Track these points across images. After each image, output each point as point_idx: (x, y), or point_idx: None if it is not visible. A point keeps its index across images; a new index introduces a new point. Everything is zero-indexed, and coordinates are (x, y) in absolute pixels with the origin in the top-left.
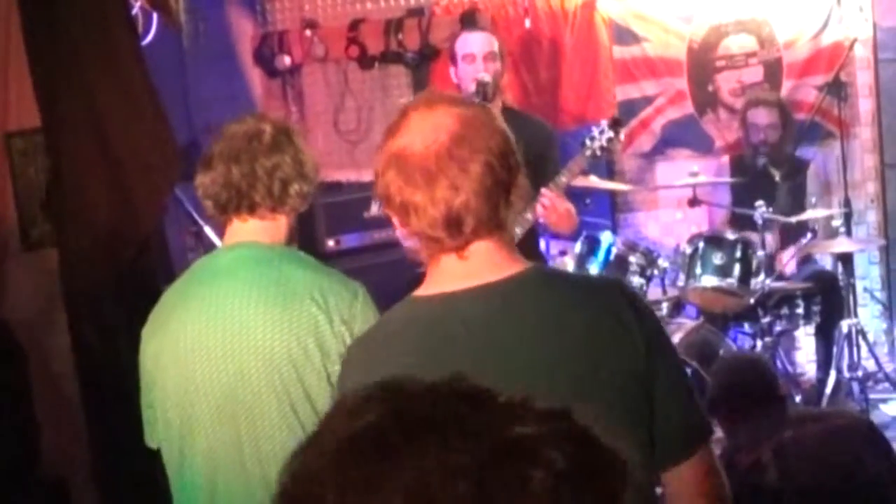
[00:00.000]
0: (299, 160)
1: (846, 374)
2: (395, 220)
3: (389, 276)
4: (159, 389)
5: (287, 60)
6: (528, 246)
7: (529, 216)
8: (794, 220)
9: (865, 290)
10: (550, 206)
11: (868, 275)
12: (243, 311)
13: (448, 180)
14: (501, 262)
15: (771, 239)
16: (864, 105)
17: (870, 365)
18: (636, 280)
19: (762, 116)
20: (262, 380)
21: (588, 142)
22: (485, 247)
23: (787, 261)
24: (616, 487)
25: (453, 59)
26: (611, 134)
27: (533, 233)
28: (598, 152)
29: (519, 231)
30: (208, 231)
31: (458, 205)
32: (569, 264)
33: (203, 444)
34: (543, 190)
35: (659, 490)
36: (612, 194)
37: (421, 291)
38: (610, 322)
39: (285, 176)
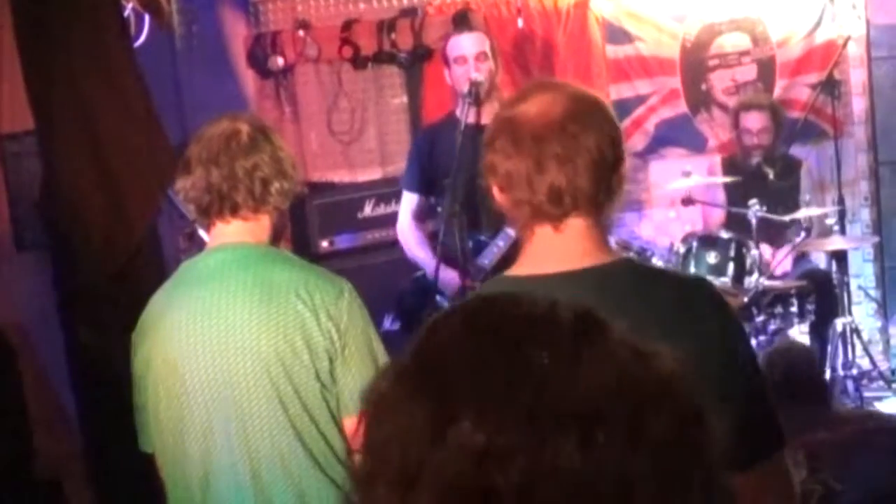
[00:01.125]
0: (278, 158)
1: (841, 373)
2: (495, 189)
3: (383, 277)
4: (151, 393)
5: (280, 61)
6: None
7: None
8: (787, 218)
9: (859, 288)
10: None
11: (862, 273)
12: (230, 312)
13: (557, 150)
14: (595, 247)
15: (765, 237)
16: (858, 103)
17: (864, 363)
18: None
19: (754, 121)
20: (250, 379)
21: None
22: (582, 225)
23: (781, 259)
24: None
25: (446, 62)
26: None
27: None
28: None
29: (513, 233)
30: (201, 232)
31: (563, 175)
32: None
33: (195, 445)
34: None
35: None
36: None
37: (514, 270)
38: (692, 320)
39: (265, 175)
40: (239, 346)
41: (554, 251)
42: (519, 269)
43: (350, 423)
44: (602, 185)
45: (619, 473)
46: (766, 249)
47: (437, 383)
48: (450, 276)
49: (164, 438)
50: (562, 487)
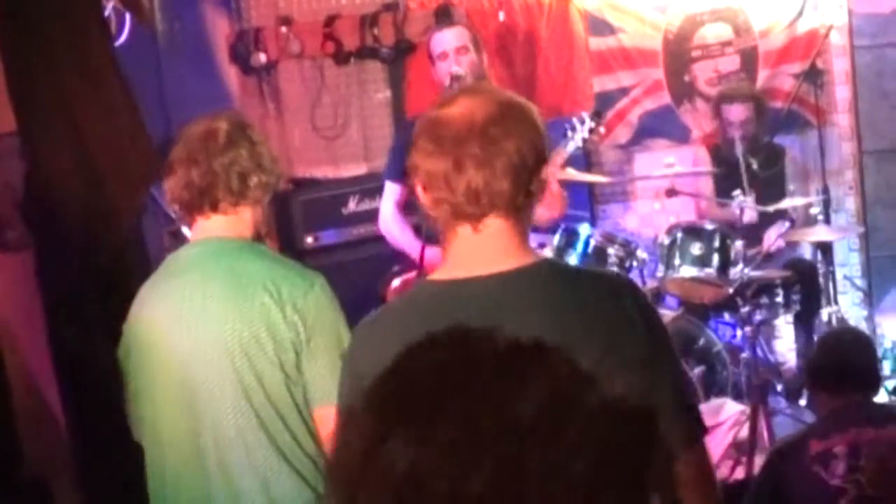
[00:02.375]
0: (256, 153)
1: None
2: (418, 189)
3: (368, 272)
4: (132, 383)
5: (263, 57)
6: None
7: None
8: (772, 208)
9: (845, 277)
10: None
11: (847, 262)
12: (200, 303)
13: (476, 151)
14: (516, 249)
15: (749, 228)
16: (841, 92)
17: None
18: (615, 271)
19: (736, 112)
20: (215, 369)
21: (570, 133)
22: (501, 226)
23: (775, 240)
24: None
25: (431, 58)
26: (592, 124)
27: None
28: (580, 143)
29: None
30: (185, 230)
31: (481, 176)
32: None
33: (167, 434)
34: None
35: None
36: (590, 186)
37: (437, 274)
38: (617, 315)
39: (243, 169)
40: (207, 337)
41: (475, 253)
42: (442, 273)
43: (318, 414)
44: (521, 187)
45: (544, 497)
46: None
47: (382, 403)
48: (437, 254)
49: (144, 426)
50: None
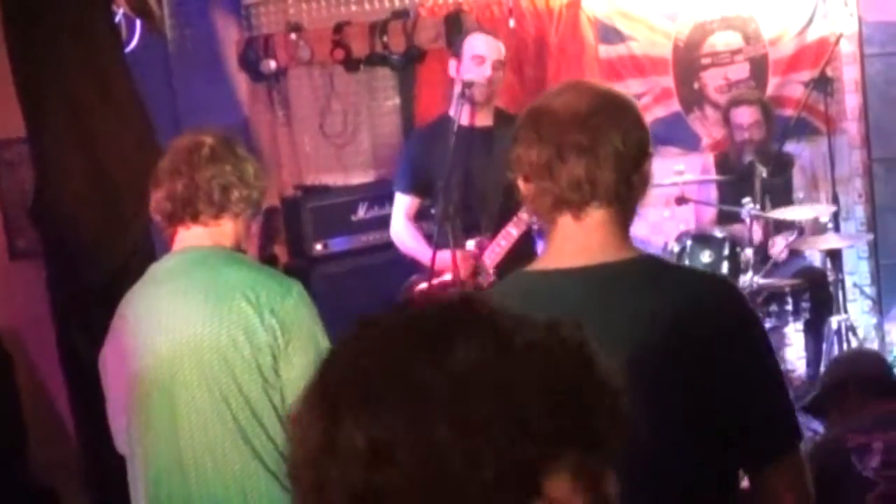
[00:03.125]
0: (240, 168)
1: None
2: (520, 181)
3: (377, 279)
4: (114, 394)
5: (272, 64)
6: (524, 247)
7: (525, 216)
8: (781, 216)
9: (854, 285)
10: None
11: (857, 270)
12: (179, 309)
13: (579, 140)
14: (615, 242)
15: (759, 236)
16: (851, 100)
17: None
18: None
19: (745, 116)
20: (194, 374)
21: None
22: (602, 216)
23: (783, 248)
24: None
25: (458, 54)
26: None
27: (528, 234)
28: None
29: (515, 231)
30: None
31: (584, 165)
32: None
33: (148, 439)
34: None
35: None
36: None
37: (534, 265)
38: (708, 318)
39: (226, 182)
40: (185, 343)
41: (574, 244)
42: (537, 264)
43: None
44: (623, 178)
45: (496, 447)
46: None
47: (326, 395)
48: (447, 258)
49: (131, 433)
50: (444, 478)
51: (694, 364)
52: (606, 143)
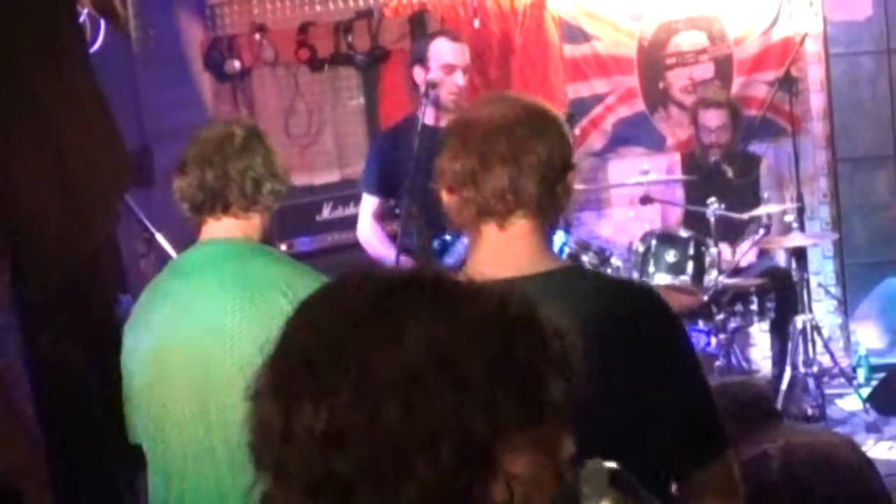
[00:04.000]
0: (270, 160)
1: (801, 370)
2: (444, 193)
3: None
4: (136, 384)
5: (237, 65)
6: None
7: None
8: (746, 216)
9: (819, 285)
10: None
11: (822, 270)
12: (212, 304)
13: (503, 149)
14: (540, 252)
15: (724, 236)
16: (816, 100)
17: (825, 360)
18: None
19: (712, 118)
20: (230, 371)
21: None
22: (526, 226)
23: (746, 251)
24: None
25: (422, 60)
26: None
27: None
28: None
29: None
30: (159, 238)
31: (508, 174)
32: None
33: (176, 436)
34: None
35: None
36: None
37: (458, 277)
38: (634, 326)
39: (257, 175)
40: (218, 338)
41: (500, 254)
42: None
43: None
44: (547, 188)
45: (451, 424)
46: (725, 249)
47: (281, 382)
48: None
49: (147, 428)
50: (400, 462)
51: (618, 371)
52: (530, 153)
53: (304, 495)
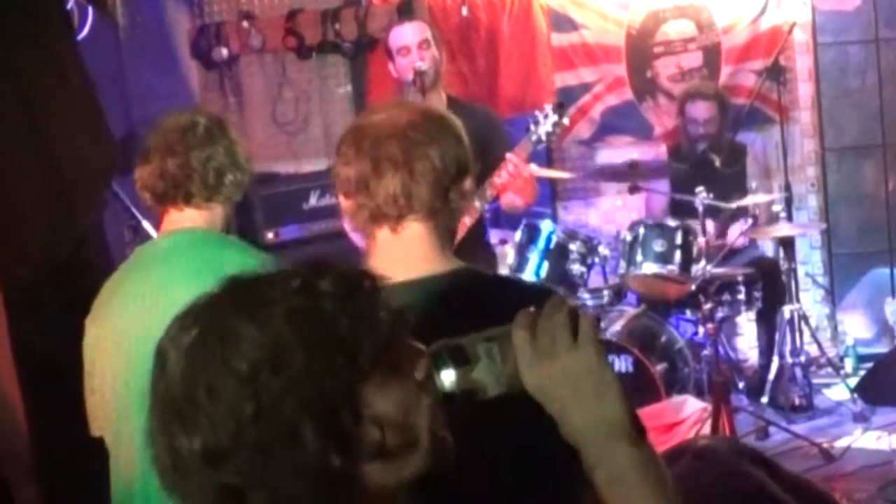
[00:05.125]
0: (233, 151)
1: (789, 360)
2: (341, 198)
3: None
4: (99, 376)
5: (224, 52)
6: (475, 235)
7: (477, 204)
8: (734, 205)
9: (807, 275)
10: (515, 171)
11: (809, 259)
12: (177, 294)
13: (395, 153)
14: (435, 254)
15: (711, 225)
16: (804, 89)
17: (812, 350)
18: (577, 268)
19: (700, 110)
20: None
21: (533, 126)
22: (420, 230)
23: (738, 236)
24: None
25: (389, 54)
26: (555, 118)
27: (480, 222)
28: (544, 137)
29: (467, 220)
30: (146, 224)
31: (400, 179)
32: (509, 253)
33: (140, 427)
34: (509, 155)
35: None
36: (552, 182)
37: None
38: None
39: (219, 166)
40: None
41: (394, 257)
42: None
43: None
44: (439, 193)
45: (298, 413)
46: (712, 235)
47: (157, 424)
48: None
49: (111, 421)
50: (269, 452)
51: None
52: (423, 158)
53: None
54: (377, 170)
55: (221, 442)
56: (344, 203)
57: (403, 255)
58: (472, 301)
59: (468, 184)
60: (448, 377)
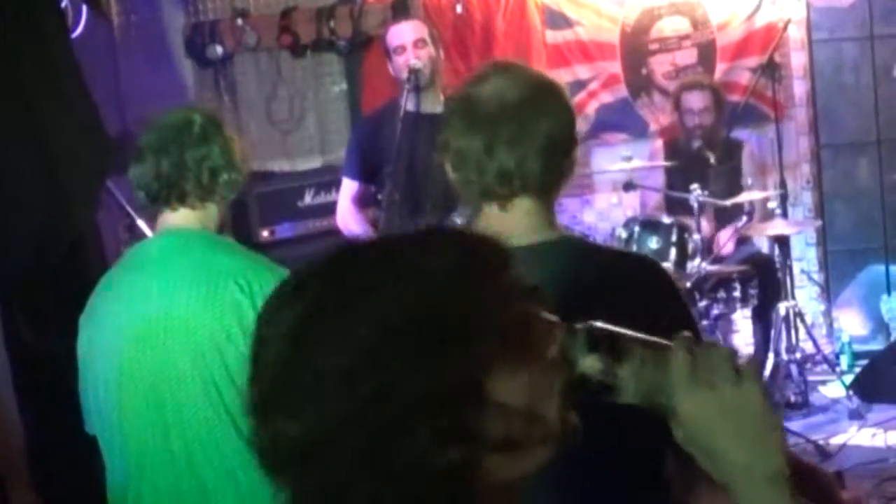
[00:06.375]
0: (228, 150)
1: (784, 357)
2: (448, 167)
3: None
4: (92, 376)
5: (219, 50)
6: None
7: None
8: (729, 202)
9: (802, 271)
10: None
11: (805, 256)
12: (168, 296)
13: (509, 133)
14: (540, 224)
15: (706, 222)
16: (799, 86)
17: (808, 347)
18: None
19: (696, 101)
20: (186, 363)
21: None
22: (528, 204)
23: (725, 241)
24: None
25: (387, 53)
26: None
27: None
28: None
29: (461, 222)
30: (141, 223)
31: (513, 158)
32: None
33: (131, 428)
34: None
35: None
36: None
37: None
38: (630, 293)
39: (214, 165)
40: (175, 330)
41: (500, 229)
42: None
43: None
44: (553, 168)
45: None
46: (707, 232)
47: (256, 396)
48: None
49: (104, 421)
50: (381, 438)
51: None
52: (536, 136)
53: (319, 497)
54: (490, 149)
55: (329, 429)
56: (451, 174)
57: (510, 227)
58: (583, 269)
59: (575, 154)
60: (592, 364)
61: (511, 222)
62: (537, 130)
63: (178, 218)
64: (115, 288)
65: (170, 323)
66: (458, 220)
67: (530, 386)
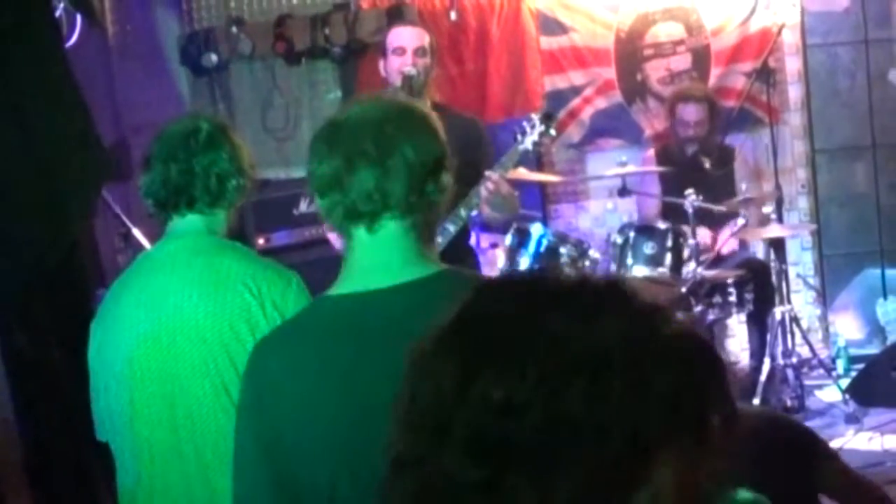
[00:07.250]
0: (235, 156)
1: (780, 362)
2: (315, 196)
3: (320, 273)
4: (103, 379)
5: (214, 58)
6: (458, 241)
7: (463, 212)
8: (724, 207)
9: (798, 276)
10: (494, 188)
11: (800, 261)
12: (178, 299)
13: (369, 148)
14: (413, 257)
15: (702, 227)
16: (794, 91)
17: (804, 351)
18: (567, 271)
19: (690, 113)
20: (196, 365)
21: (520, 137)
22: (396, 228)
23: (725, 241)
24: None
25: (384, 51)
26: (542, 128)
27: (464, 229)
28: (531, 147)
29: (452, 228)
30: (136, 232)
31: (374, 172)
32: (500, 257)
33: (143, 430)
34: (488, 173)
35: None
36: (542, 186)
37: (335, 289)
38: None
39: (222, 171)
40: (184, 332)
41: (373, 261)
42: (340, 287)
43: None
44: (415, 189)
45: (625, 421)
46: (704, 233)
47: (464, 345)
48: None
49: (115, 422)
50: (572, 434)
51: None
52: (397, 154)
53: (463, 457)
54: (351, 166)
55: (531, 399)
56: (318, 202)
57: (382, 259)
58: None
59: (446, 179)
60: None
61: (382, 253)
62: (397, 148)
63: (187, 223)
64: (125, 293)
65: (180, 325)
66: (451, 228)
67: (686, 472)
